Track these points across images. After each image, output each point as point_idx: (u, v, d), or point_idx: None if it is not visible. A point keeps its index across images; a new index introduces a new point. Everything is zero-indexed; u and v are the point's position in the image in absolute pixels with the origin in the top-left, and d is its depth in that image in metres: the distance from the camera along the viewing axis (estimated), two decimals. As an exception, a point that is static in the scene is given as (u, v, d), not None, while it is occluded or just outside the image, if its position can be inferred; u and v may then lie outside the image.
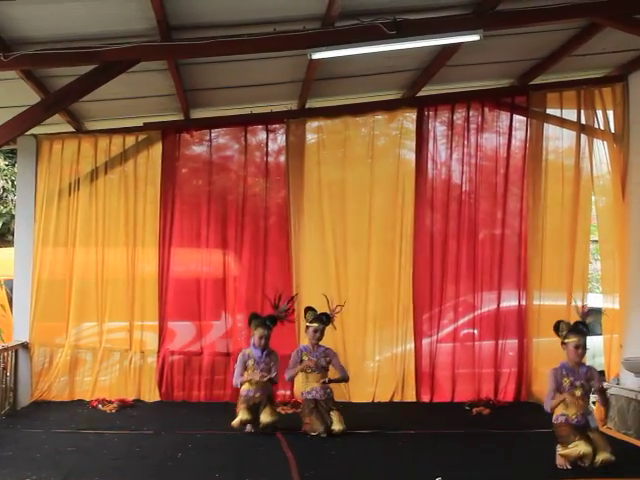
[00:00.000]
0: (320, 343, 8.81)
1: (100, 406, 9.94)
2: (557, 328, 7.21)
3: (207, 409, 10.03)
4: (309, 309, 8.86)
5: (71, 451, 7.51)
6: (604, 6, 7.97)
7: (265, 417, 8.35)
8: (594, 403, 8.27)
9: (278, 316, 8.75)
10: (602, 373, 9.37)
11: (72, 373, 10.62)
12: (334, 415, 8.43)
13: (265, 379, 8.50)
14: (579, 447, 6.69)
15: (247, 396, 8.51)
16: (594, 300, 10.99)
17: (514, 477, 6.75)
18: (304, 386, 8.74)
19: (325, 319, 8.78)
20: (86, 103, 9.51)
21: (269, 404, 8.51)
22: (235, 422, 8.35)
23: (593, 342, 7.30)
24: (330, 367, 8.82)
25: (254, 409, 8.41)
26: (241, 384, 8.61)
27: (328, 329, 8.93)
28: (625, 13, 8.05)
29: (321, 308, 8.87)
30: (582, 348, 7.07)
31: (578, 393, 7.01)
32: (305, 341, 9.18)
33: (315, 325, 8.72)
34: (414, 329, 10.74)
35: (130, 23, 7.65)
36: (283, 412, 9.44)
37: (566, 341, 7.11)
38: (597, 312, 8.34)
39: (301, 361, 8.73)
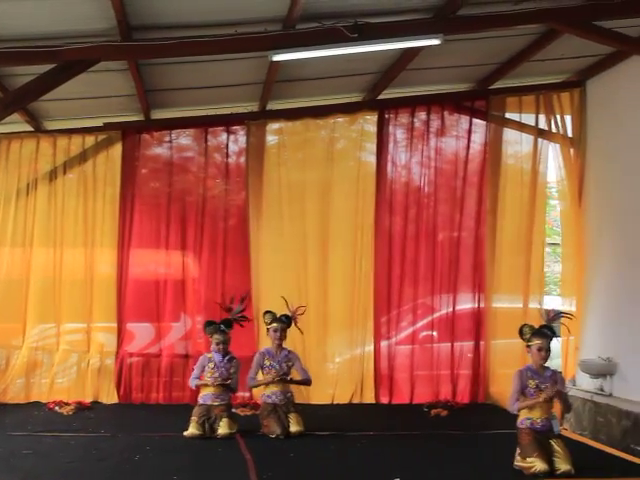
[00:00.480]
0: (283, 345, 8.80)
1: (57, 408, 9.84)
2: (521, 332, 7.23)
3: (166, 411, 9.99)
4: (267, 312, 8.83)
5: (27, 454, 7.43)
6: (562, 12, 8.04)
7: (223, 429, 8.28)
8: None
9: (234, 319, 8.72)
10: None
11: (29, 375, 10.53)
12: (292, 417, 8.43)
13: (218, 382, 8.46)
14: (535, 465, 6.70)
15: (203, 405, 8.45)
16: (550, 303, 11.12)
17: (472, 477, 6.80)
18: (264, 389, 8.69)
19: (285, 319, 8.76)
20: (45, 102, 9.43)
21: (227, 416, 8.42)
22: (186, 433, 8.29)
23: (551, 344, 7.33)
24: (293, 370, 8.80)
25: (208, 423, 8.32)
26: (196, 386, 8.59)
27: (295, 332, 8.91)
28: (583, 20, 8.15)
29: (283, 310, 8.86)
30: (545, 351, 7.08)
31: (543, 397, 7.01)
32: (267, 343, 9.14)
33: (274, 325, 8.70)
34: (374, 331, 10.78)
35: (90, 22, 7.59)
36: (242, 414, 9.43)
37: (530, 344, 7.14)
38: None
39: (263, 366, 8.69)
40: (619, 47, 8.85)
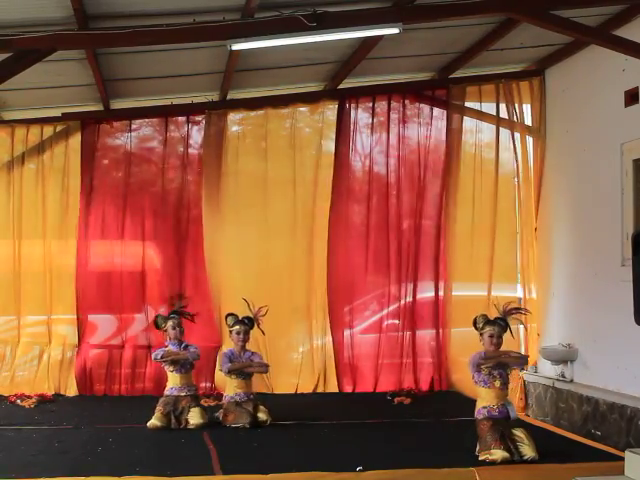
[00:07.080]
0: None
1: (18, 401, 9.76)
2: (475, 322, 7.22)
3: (128, 403, 9.96)
4: (229, 315, 8.78)
5: (-12, 448, 7.37)
6: (520, 1, 8.08)
7: (195, 419, 8.29)
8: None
9: (178, 311, 8.76)
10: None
11: (-11, 368, 10.43)
12: (260, 408, 8.46)
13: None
14: (496, 456, 6.69)
15: (170, 396, 8.45)
16: (514, 290, 11.18)
17: (434, 464, 6.82)
18: (228, 390, 8.67)
19: (247, 321, 8.71)
20: (1, 92, 9.30)
21: (196, 405, 8.45)
22: (149, 424, 8.27)
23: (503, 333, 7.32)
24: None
25: (174, 415, 8.32)
26: (162, 357, 8.54)
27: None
28: (541, 9, 8.17)
29: (244, 309, 8.79)
30: (497, 337, 7.09)
31: (497, 384, 7.04)
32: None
33: (237, 328, 8.65)
34: (331, 321, 10.77)
35: (46, 11, 7.48)
36: (206, 404, 9.40)
37: (482, 332, 7.16)
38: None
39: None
40: (577, 37, 8.87)
